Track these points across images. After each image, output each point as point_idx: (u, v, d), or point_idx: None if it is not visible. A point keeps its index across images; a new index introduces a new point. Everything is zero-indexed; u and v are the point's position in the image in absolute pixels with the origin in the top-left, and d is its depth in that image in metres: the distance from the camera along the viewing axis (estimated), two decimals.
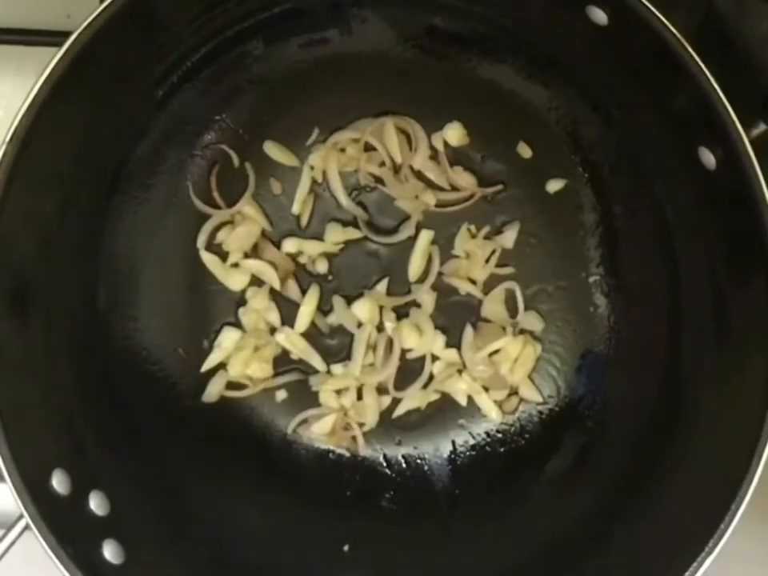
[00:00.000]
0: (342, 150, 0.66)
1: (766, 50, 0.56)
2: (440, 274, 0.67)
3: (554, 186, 0.66)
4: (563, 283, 0.67)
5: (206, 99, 0.63)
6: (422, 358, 0.67)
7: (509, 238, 0.66)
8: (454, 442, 0.67)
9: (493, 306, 0.67)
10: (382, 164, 0.66)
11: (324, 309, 0.67)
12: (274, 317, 0.66)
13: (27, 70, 0.67)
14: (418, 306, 0.67)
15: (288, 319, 0.67)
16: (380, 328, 0.67)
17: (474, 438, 0.67)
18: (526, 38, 0.61)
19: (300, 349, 0.66)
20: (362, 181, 0.67)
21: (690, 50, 0.48)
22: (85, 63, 0.50)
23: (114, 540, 0.52)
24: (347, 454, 0.67)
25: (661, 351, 0.62)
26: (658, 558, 0.53)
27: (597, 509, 0.61)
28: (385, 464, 0.67)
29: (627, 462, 0.61)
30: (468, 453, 0.67)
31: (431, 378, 0.67)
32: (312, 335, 0.67)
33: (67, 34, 0.49)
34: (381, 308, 0.67)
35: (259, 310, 0.66)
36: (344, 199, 0.66)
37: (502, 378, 0.67)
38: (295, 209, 0.66)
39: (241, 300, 0.66)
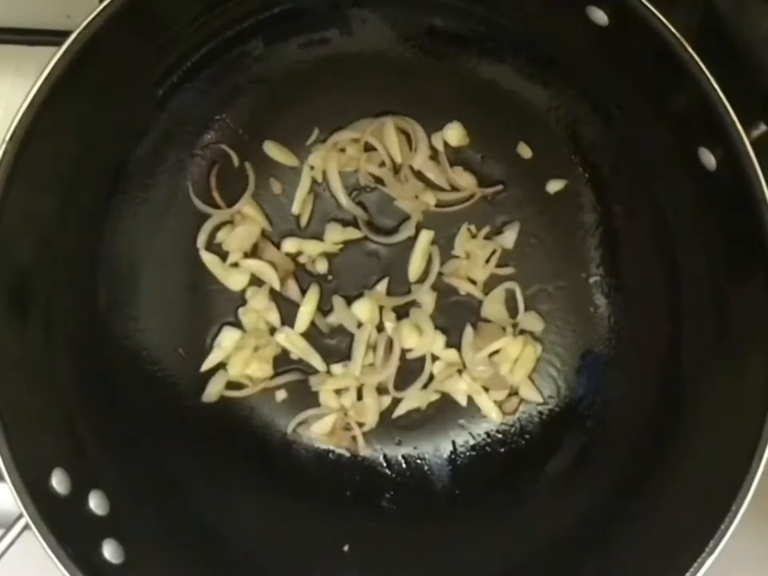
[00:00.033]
0: (342, 150, 0.66)
1: (766, 50, 0.56)
2: (440, 274, 0.67)
3: (553, 186, 0.66)
4: (563, 283, 0.67)
5: (206, 99, 0.63)
6: (422, 358, 0.67)
7: (509, 238, 0.66)
8: (454, 442, 0.67)
9: (493, 306, 0.67)
10: (382, 164, 0.66)
11: (324, 309, 0.67)
12: (274, 317, 0.66)
13: (27, 70, 0.67)
14: (418, 306, 0.67)
15: (288, 319, 0.67)
16: (380, 328, 0.67)
17: (474, 438, 0.67)
18: (526, 38, 0.61)
19: (300, 349, 0.66)
20: (362, 181, 0.67)
21: (690, 50, 0.48)
22: (85, 63, 0.50)
23: (114, 540, 0.52)
24: (347, 454, 0.67)
25: (661, 351, 0.62)
26: (658, 558, 0.53)
27: (597, 509, 0.61)
28: (385, 464, 0.67)
29: (627, 462, 0.61)
30: (468, 453, 0.67)
31: (431, 378, 0.67)
32: (312, 335, 0.67)
33: (67, 34, 0.49)
34: (381, 308, 0.67)
35: (259, 310, 0.66)
36: (344, 199, 0.66)
37: (502, 378, 0.67)
38: (295, 209, 0.66)
39: (241, 300, 0.66)
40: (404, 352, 0.67)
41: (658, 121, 0.56)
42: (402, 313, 0.67)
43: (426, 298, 0.67)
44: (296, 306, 0.66)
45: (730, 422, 0.53)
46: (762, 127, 0.51)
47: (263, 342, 0.66)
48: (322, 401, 0.67)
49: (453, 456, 0.67)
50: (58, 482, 0.51)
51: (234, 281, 0.66)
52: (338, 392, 0.67)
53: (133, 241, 0.63)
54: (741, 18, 0.56)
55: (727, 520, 0.49)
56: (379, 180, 0.66)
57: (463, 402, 0.67)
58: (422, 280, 0.67)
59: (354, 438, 0.67)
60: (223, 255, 0.66)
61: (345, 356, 0.67)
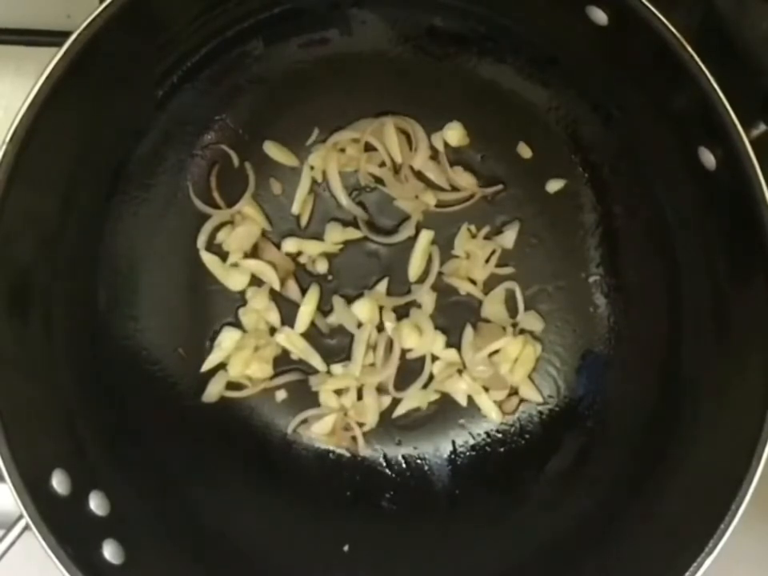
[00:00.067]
0: (342, 150, 0.66)
1: (766, 50, 0.56)
2: (440, 274, 0.67)
3: (553, 185, 0.66)
4: (563, 283, 0.67)
5: (206, 99, 0.63)
6: (422, 358, 0.67)
7: (509, 238, 0.66)
8: (454, 442, 0.67)
9: (493, 306, 0.67)
10: (382, 164, 0.66)
11: (324, 309, 0.67)
12: (274, 317, 0.66)
13: (27, 70, 0.67)
14: (418, 306, 0.67)
15: (288, 319, 0.67)
16: (380, 328, 0.67)
17: (473, 438, 0.67)
18: (526, 38, 0.61)
19: (300, 349, 0.66)
20: (362, 181, 0.67)
21: (690, 50, 0.48)
22: (85, 63, 0.50)
23: (114, 540, 0.52)
24: (347, 454, 0.67)
25: (661, 351, 0.62)
26: (658, 558, 0.53)
27: (597, 509, 0.61)
28: (385, 464, 0.67)
29: (627, 461, 0.61)
30: (468, 453, 0.67)
31: (431, 378, 0.67)
32: (312, 335, 0.67)
33: (67, 34, 0.49)
34: (381, 308, 0.67)
35: (259, 310, 0.66)
36: (344, 199, 0.66)
37: (502, 378, 0.67)
38: (295, 209, 0.66)
39: (241, 300, 0.66)
40: (404, 352, 0.67)
41: (657, 121, 0.56)
42: (402, 313, 0.67)
43: (426, 298, 0.67)
44: (296, 306, 0.66)
45: (730, 422, 0.53)
46: (762, 127, 0.51)
47: (263, 342, 0.66)
48: (322, 401, 0.67)
49: (453, 456, 0.67)
50: (58, 482, 0.51)
51: (234, 281, 0.66)
52: (338, 392, 0.67)
53: (133, 241, 0.63)
54: (741, 18, 0.56)
55: (727, 520, 0.49)
56: (379, 180, 0.66)
57: (463, 401, 0.67)
58: (422, 280, 0.67)
59: (353, 438, 0.67)
60: (223, 255, 0.66)
61: (345, 356, 0.67)
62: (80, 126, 0.55)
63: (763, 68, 0.56)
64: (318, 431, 0.66)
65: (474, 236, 0.67)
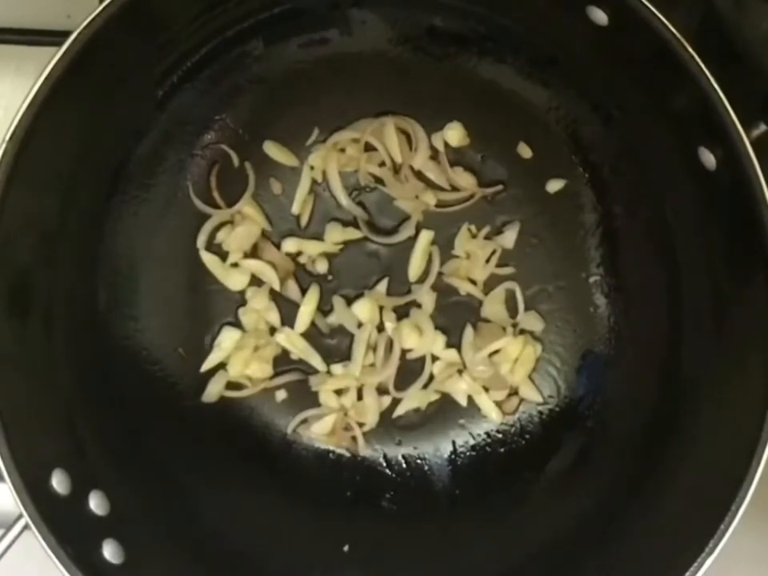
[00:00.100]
0: (342, 150, 0.66)
1: (766, 50, 0.56)
2: (440, 274, 0.67)
3: (553, 185, 0.66)
4: (563, 283, 0.67)
5: (206, 99, 0.63)
6: (422, 358, 0.67)
7: (509, 238, 0.66)
8: (454, 442, 0.67)
9: (493, 306, 0.67)
10: (382, 164, 0.66)
11: (324, 309, 0.67)
12: (274, 317, 0.66)
13: (27, 70, 0.67)
14: (418, 306, 0.67)
15: (288, 319, 0.67)
16: (380, 328, 0.67)
17: (474, 438, 0.67)
18: (526, 38, 0.61)
19: (300, 349, 0.66)
20: (362, 181, 0.67)
21: (690, 50, 0.48)
22: (85, 63, 0.50)
23: (114, 540, 0.52)
24: (347, 454, 0.67)
25: (661, 351, 0.62)
26: (658, 558, 0.53)
27: (597, 509, 0.61)
28: (385, 464, 0.67)
29: (627, 461, 0.61)
30: (468, 453, 0.67)
31: (431, 378, 0.67)
32: (312, 335, 0.67)
33: (67, 34, 0.49)
34: (381, 308, 0.67)
35: (259, 309, 0.66)
36: (344, 199, 0.66)
37: (502, 378, 0.67)
38: (295, 209, 0.66)
39: (241, 300, 0.66)
40: (404, 352, 0.67)
41: (658, 121, 0.56)
42: (402, 313, 0.67)
43: (426, 298, 0.67)
44: (296, 306, 0.66)
45: (730, 422, 0.53)
46: (762, 127, 0.51)
47: (263, 342, 0.66)
48: (322, 401, 0.67)
49: (453, 456, 0.67)
50: (58, 482, 0.51)
51: (234, 281, 0.66)
52: (338, 392, 0.67)
53: (133, 241, 0.63)
54: (741, 18, 0.56)
55: (727, 520, 0.49)
56: (379, 180, 0.66)
57: (463, 402, 0.67)
58: (422, 280, 0.67)
59: (353, 438, 0.67)
60: (223, 255, 0.66)
61: (345, 356, 0.67)
62: (80, 126, 0.55)
63: (763, 68, 0.56)
64: (318, 431, 0.66)
65: (474, 236, 0.67)
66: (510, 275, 0.67)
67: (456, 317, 0.67)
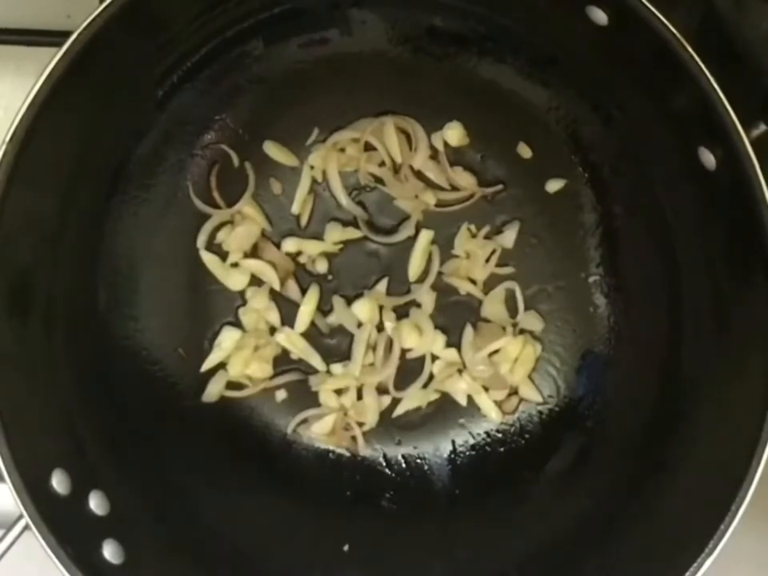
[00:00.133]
0: (342, 150, 0.66)
1: (766, 50, 0.56)
2: (440, 273, 0.67)
3: (553, 185, 0.66)
4: (563, 283, 0.67)
5: (206, 99, 0.63)
6: (422, 358, 0.67)
7: (509, 237, 0.66)
8: (454, 442, 0.67)
9: (493, 306, 0.67)
10: (382, 164, 0.66)
11: (324, 309, 0.67)
12: (274, 317, 0.66)
13: (27, 70, 0.67)
14: (418, 305, 0.67)
15: (288, 319, 0.67)
16: (380, 328, 0.67)
17: (473, 437, 0.67)
18: (526, 38, 0.61)
19: (300, 349, 0.66)
20: (362, 181, 0.67)
21: (690, 50, 0.48)
22: (85, 63, 0.50)
23: (114, 540, 0.52)
24: (347, 454, 0.67)
25: (661, 351, 0.62)
26: (658, 558, 0.53)
27: (597, 509, 0.61)
28: (385, 464, 0.67)
29: (627, 462, 0.61)
30: (468, 453, 0.67)
31: (431, 377, 0.67)
32: (312, 335, 0.67)
33: (67, 34, 0.49)
34: (381, 308, 0.67)
35: (259, 309, 0.66)
36: (344, 199, 0.66)
37: (502, 377, 0.67)
38: (295, 209, 0.66)
39: (241, 300, 0.66)
40: (404, 352, 0.67)
41: (657, 121, 0.56)
42: (401, 313, 0.67)
43: (426, 297, 0.67)
44: (296, 305, 0.66)
45: (730, 422, 0.53)
46: (762, 127, 0.51)
47: (263, 342, 0.66)
48: (322, 401, 0.67)
49: (453, 456, 0.67)
50: (58, 482, 0.51)
51: (234, 281, 0.66)
52: (338, 392, 0.67)
53: (133, 241, 0.63)
54: (741, 18, 0.56)
55: (727, 520, 0.49)
56: (379, 180, 0.66)
57: (463, 401, 0.67)
58: (421, 280, 0.67)
59: (353, 438, 0.67)
60: (223, 255, 0.66)
61: (345, 356, 0.67)
62: (80, 126, 0.55)
63: (763, 68, 0.56)
64: (318, 431, 0.66)
65: (474, 236, 0.67)
66: (509, 275, 0.67)
67: (456, 316, 0.67)
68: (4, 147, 0.48)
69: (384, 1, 0.62)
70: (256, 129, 0.65)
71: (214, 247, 0.66)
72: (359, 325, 0.66)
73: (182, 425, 0.65)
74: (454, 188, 0.66)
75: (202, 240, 0.66)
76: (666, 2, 0.49)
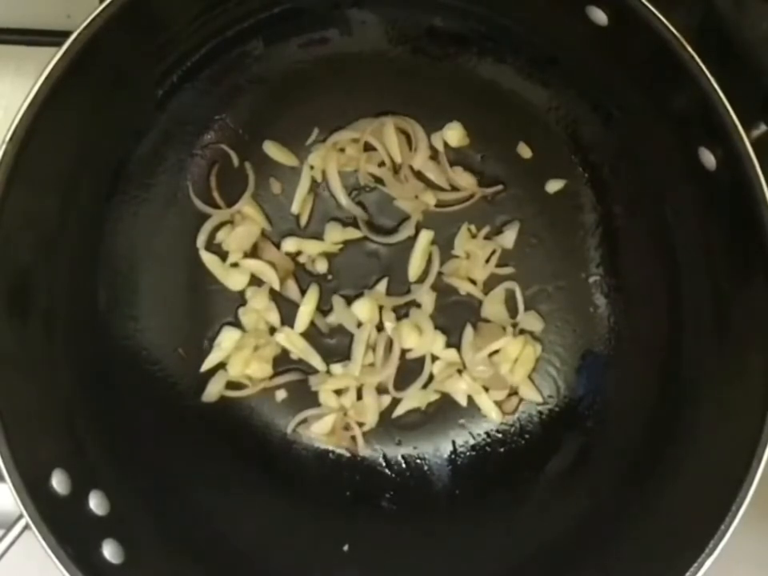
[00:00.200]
0: (342, 150, 0.66)
1: (766, 50, 0.56)
2: (440, 273, 0.67)
3: (553, 185, 0.66)
4: (563, 283, 0.67)
5: (205, 99, 0.63)
6: (422, 358, 0.67)
7: (509, 238, 0.66)
8: (454, 442, 0.67)
9: (493, 306, 0.67)
10: (382, 164, 0.66)
11: (324, 309, 0.67)
12: (274, 317, 0.66)
13: (27, 70, 0.67)
14: (418, 306, 0.67)
15: (288, 319, 0.67)
16: (380, 328, 0.67)
17: (474, 438, 0.67)
18: (526, 38, 0.61)
19: (300, 349, 0.66)
20: (362, 181, 0.67)
21: (690, 50, 0.48)
22: (85, 63, 0.50)
23: (114, 540, 0.52)
24: (347, 454, 0.67)
25: (661, 351, 0.62)
26: (658, 558, 0.53)
27: (597, 509, 0.61)
28: (385, 464, 0.67)
29: (627, 462, 0.61)
30: (468, 453, 0.67)
31: (431, 377, 0.67)
32: (312, 335, 0.67)
33: (67, 34, 0.49)
34: (381, 308, 0.67)
35: (259, 309, 0.66)
36: (344, 199, 0.66)
37: (502, 378, 0.67)
38: (295, 209, 0.66)
39: (241, 300, 0.66)
40: (404, 352, 0.67)
41: (658, 121, 0.56)
42: (401, 313, 0.67)
43: (426, 298, 0.67)
44: (296, 306, 0.66)
45: (730, 422, 0.53)
46: (762, 127, 0.51)
47: (263, 342, 0.66)
48: (321, 401, 0.67)
49: (453, 456, 0.67)
50: (58, 482, 0.51)
51: (234, 281, 0.66)
52: (338, 392, 0.67)
53: (133, 241, 0.63)
54: (741, 18, 0.56)
55: (727, 520, 0.49)
56: (379, 180, 0.66)
57: (463, 401, 0.67)
58: (421, 280, 0.67)
59: (353, 438, 0.67)
60: (223, 255, 0.66)
61: (345, 356, 0.67)
62: (80, 126, 0.55)
63: (763, 68, 0.56)
64: (318, 431, 0.66)
65: (474, 236, 0.67)
66: (509, 275, 0.67)
67: (456, 317, 0.67)
68: (4, 147, 0.48)
69: (384, 1, 0.62)
70: (256, 129, 0.65)
71: (213, 247, 0.66)
72: (359, 325, 0.66)
73: (182, 425, 0.65)
74: (454, 188, 0.66)
75: (201, 240, 0.66)
76: (666, 2, 0.49)
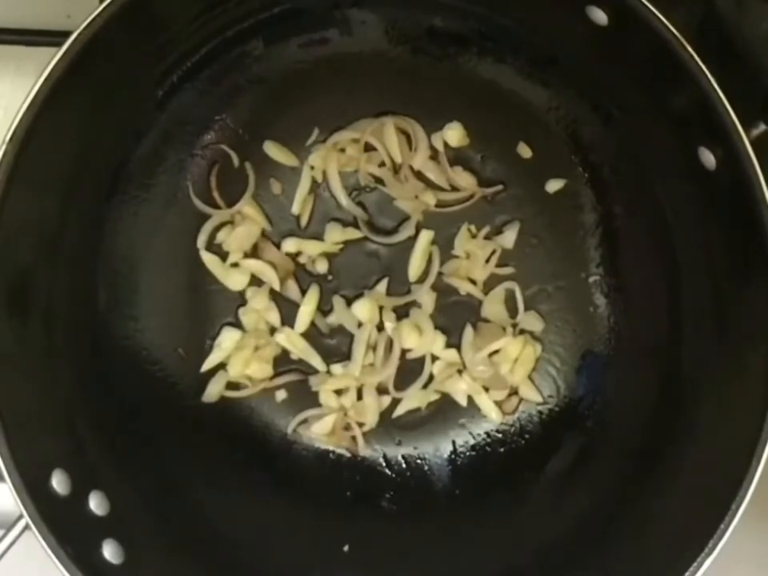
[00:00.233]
0: (342, 150, 0.66)
1: (766, 50, 0.56)
2: (440, 274, 0.67)
3: (553, 185, 0.66)
4: (563, 283, 0.67)
5: (205, 99, 0.63)
6: (422, 358, 0.67)
7: (509, 238, 0.66)
8: (454, 442, 0.67)
9: (493, 306, 0.67)
10: (382, 164, 0.66)
11: (324, 309, 0.67)
12: (274, 317, 0.66)
13: (27, 70, 0.67)
14: (418, 306, 0.67)
15: (288, 319, 0.67)
16: (380, 328, 0.67)
17: (474, 438, 0.67)
18: (526, 38, 0.61)
19: (300, 349, 0.66)
20: (362, 181, 0.67)
21: (690, 50, 0.48)
22: (85, 63, 0.50)
23: (114, 540, 0.52)
24: (347, 454, 0.67)
25: (661, 351, 0.62)
26: (658, 558, 0.53)
27: (597, 509, 0.61)
28: (385, 464, 0.67)
29: (627, 462, 0.61)
30: (468, 453, 0.67)
31: (431, 378, 0.67)
32: (312, 335, 0.67)
33: (67, 34, 0.49)
34: (381, 308, 0.67)
35: (259, 310, 0.66)
36: (344, 199, 0.66)
37: (502, 378, 0.67)
38: (295, 209, 0.66)
39: (241, 300, 0.66)
40: (404, 352, 0.67)
41: (658, 121, 0.56)
42: (401, 313, 0.67)
43: (426, 298, 0.67)
44: (296, 306, 0.66)
45: (730, 422, 0.53)
46: (762, 127, 0.51)
47: (263, 342, 0.66)
48: (322, 401, 0.67)
49: (453, 456, 0.67)
50: (58, 482, 0.51)
51: (234, 281, 0.66)
52: (338, 392, 0.67)
53: (133, 241, 0.63)
54: (741, 18, 0.56)
55: (727, 520, 0.49)
56: (379, 180, 0.66)
57: (463, 402, 0.67)
58: (422, 280, 0.67)
59: (353, 438, 0.67)
60: (223, 255, 0.66)
61: (345, 356, 0.67)
62: (80, 126, 0.55)
63: (763, 68, 0.56)
64: (318, 431, 0.66)
65: (474, 236, 0.67)
66: (509, 275, 0.67)
67: (456, 317, 0.67)
68: (4, 147, 0.48)
69: (384, 1, 0.62)
70: (256, 129, 0.65)
71: (214, 247, 0.66)
72: (359, 325, 0.66)
73: (182, 425, 0.65)
74: (454, 188, 0.66)
75: (201, 240, 0.66)
76: (666, 2, 0.49)
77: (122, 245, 0.63)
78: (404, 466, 0.67)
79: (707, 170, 0.52)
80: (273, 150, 0.66)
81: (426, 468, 0.67)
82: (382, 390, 0.67)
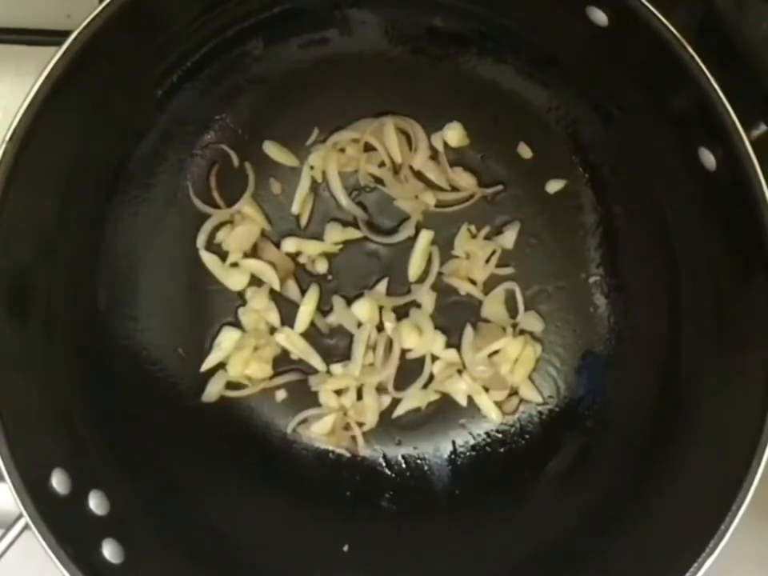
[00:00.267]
0: (342, 150, 0.66)
1: (766, 50, 0.56)
2: (440, 274, 0.67)
3: (553, 186, 0.66)
4: (563, 283, 0.67)
5: (205, 99, 0.63)
6: (422, 358, 0.67)
7: (509, 238, 0.66)
8: (454, 442, 0.67)
9: (493, 307, 0.67)
10: (382, 164, 0.66)
11: (324, 309, 0.67)
12: (274, 317, 0.66)
13: (27, 70, 0.67)
14: (418, 306, 0.67)
15: (288, 319, 0.67)
16: (380, 328, 0.67)
17: (474, 438, 0.67)
18: (526, 38, 0.61)
19: (300, 349, 0.66)
20: (362, 181, 0.67)
21: (690, 50, 0.48)
22: (85, 63, 0.50)
23: (114, 540, 0.52)
24: (347, 454, 0.67)
25: (661, 351, 0.62)
26: (658, 557, 0.53)
27: (597, 509, 0.61)
28: (385, 464, 0.67)
29: (627, 461, 0.61)
30: (468, 453, 0.67)
31: (431, 378, 0.67)
32: (312, 335, 0.67)
33: (67, 34, 0.49)
34: (381, 308, 0.67)
35: (259, 310, 0.66)
36: (344, 199, 0.66)
37: (502, 378, 0.67)
38: (295, 209, 0.66)
39: (241, 300, 0.66)
40: (404, 352, 0.67)
41: (658, 121, 0.56)
42: (401, 313, 0.67)
43: (426, 298, 0.67)
44: (296, 306, 0.66)
45: (730, 422, 0.53)
46: (762, 127, 0.51)
47: (263, 342, 0.66)
48: (321, 401, 0.67)
49: (453, 456, 0.67)
50: (58, 482, 0.51)
51: (234, 281, 0.66)
52: (338, 392, 0.67)
53: (133, 241, 0.63)
54: (741, 18, 0.56)
55: (727, 520, 0.49)
56: (379, 180, 0.66)
57: (463, 402, 0.67)
58: (421, 280, 0.67)
59: (353, 438, 0.67)
60: (223, 255, 0.66)
61: (345, 356, 0.67)
62: (80, 125, 0.55)
63: (763, 68, 0.56)
64: (318, 431, 0.66)
65: (474, 236, 0.67)
66: (509, 275, 0.67)
67: (456, 317, 0.67)
68: (4, 147, 0.48)
69: (384, 1, 0.62)
70: (256, 129, 0.65)
71: (213, 247, 0.66)
72: (359, 325, 0.66)
73: (182, 425, 0.65)
74: (454, 188, 0.66)
75: (201, 240, 0.66)
76: (666, 2, 0.49)
77: (122, 245, 0.63)
78: (404, 466, 0.67)
79: (707, 170, 0.52)
80: (273, 149, 0.66)
81: (425, 468, 0.67)
82: (381, 390, 0.67)
